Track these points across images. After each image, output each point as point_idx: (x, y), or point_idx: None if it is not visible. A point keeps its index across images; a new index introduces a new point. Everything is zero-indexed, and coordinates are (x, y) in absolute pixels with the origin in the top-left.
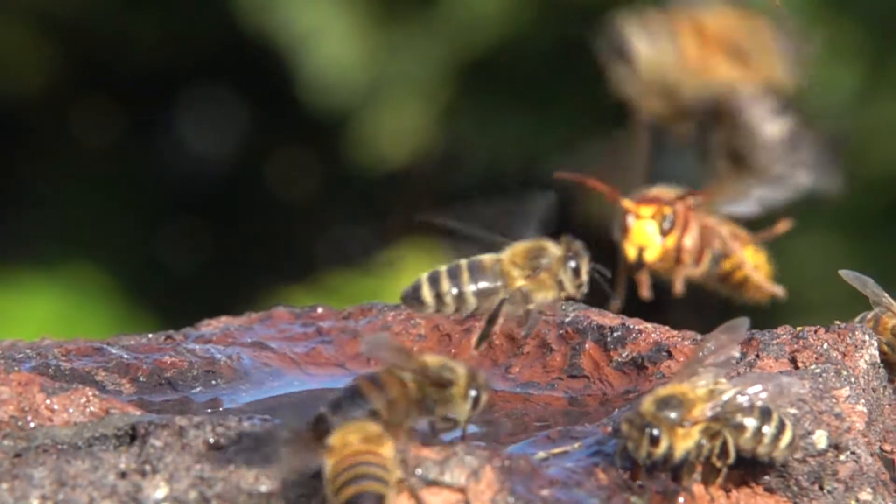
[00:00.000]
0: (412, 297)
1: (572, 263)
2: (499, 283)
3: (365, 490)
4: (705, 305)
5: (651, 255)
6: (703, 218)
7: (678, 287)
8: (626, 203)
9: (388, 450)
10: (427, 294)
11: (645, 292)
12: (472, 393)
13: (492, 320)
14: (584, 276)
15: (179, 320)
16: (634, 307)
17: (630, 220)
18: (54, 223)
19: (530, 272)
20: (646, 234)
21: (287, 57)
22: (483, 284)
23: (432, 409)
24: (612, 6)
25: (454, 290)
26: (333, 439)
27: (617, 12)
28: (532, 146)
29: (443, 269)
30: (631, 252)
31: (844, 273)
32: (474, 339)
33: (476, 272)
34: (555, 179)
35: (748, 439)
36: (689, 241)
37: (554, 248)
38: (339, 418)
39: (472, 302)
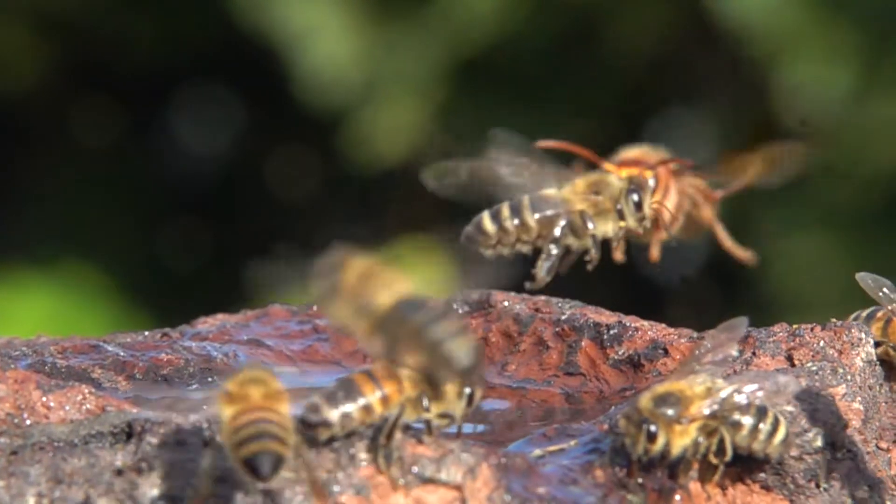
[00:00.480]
0: (474, 231)
1: (634, 196)
2: (560, 210)
3: (265, 449)
4: (705, 303)
5: None
6: (681, 182)
7: (655, 253)
8: (608, 166)
9: (286, 408)
10: (489, 224)
11: (619, 255)
12: (467, 391)
13: (555, 242)
14: (647, 210)
15: (177, 319)
16: (632, 304)
17: None
18: (52, 222)
19: (591, 196)
20: None
21: (283, 55)
22: (544, 211)
23: (427, 407)
24: (606, 4)
25: (515, 220)
26: (231, 385)
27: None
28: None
29: (504, 203)
30: None
31: (861, 276)
32: (541, 266)
33: (537, 202)
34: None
35: (744, 436)
36: (669, 205)
37: (616, 181)
38: (332, 409)
39: (534, 228)
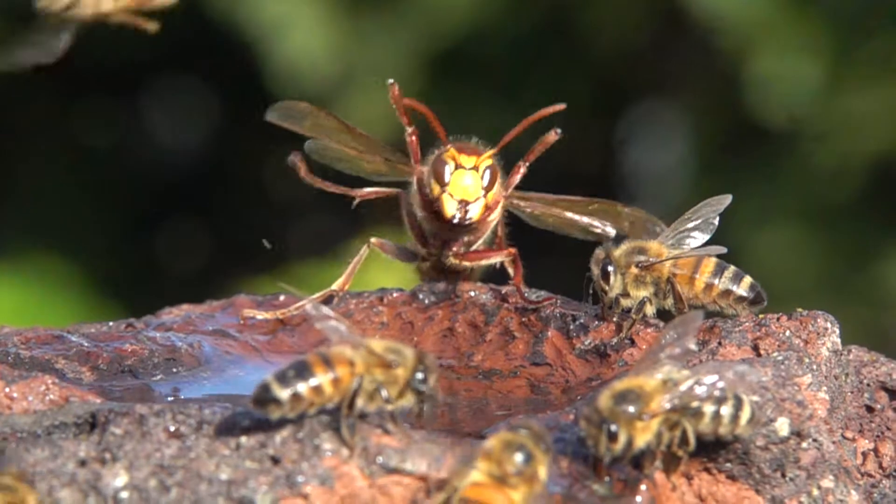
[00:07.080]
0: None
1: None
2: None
3: None
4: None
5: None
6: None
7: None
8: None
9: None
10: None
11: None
12: (419, 375)
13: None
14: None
15: (145, 311)
16: None
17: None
18: (17, 213)
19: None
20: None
21: (257, 47)
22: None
23: (387, 398)
24: None
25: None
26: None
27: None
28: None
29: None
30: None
31: None
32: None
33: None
34: None
35: (707, 423)
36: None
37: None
38: (283, 388)
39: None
